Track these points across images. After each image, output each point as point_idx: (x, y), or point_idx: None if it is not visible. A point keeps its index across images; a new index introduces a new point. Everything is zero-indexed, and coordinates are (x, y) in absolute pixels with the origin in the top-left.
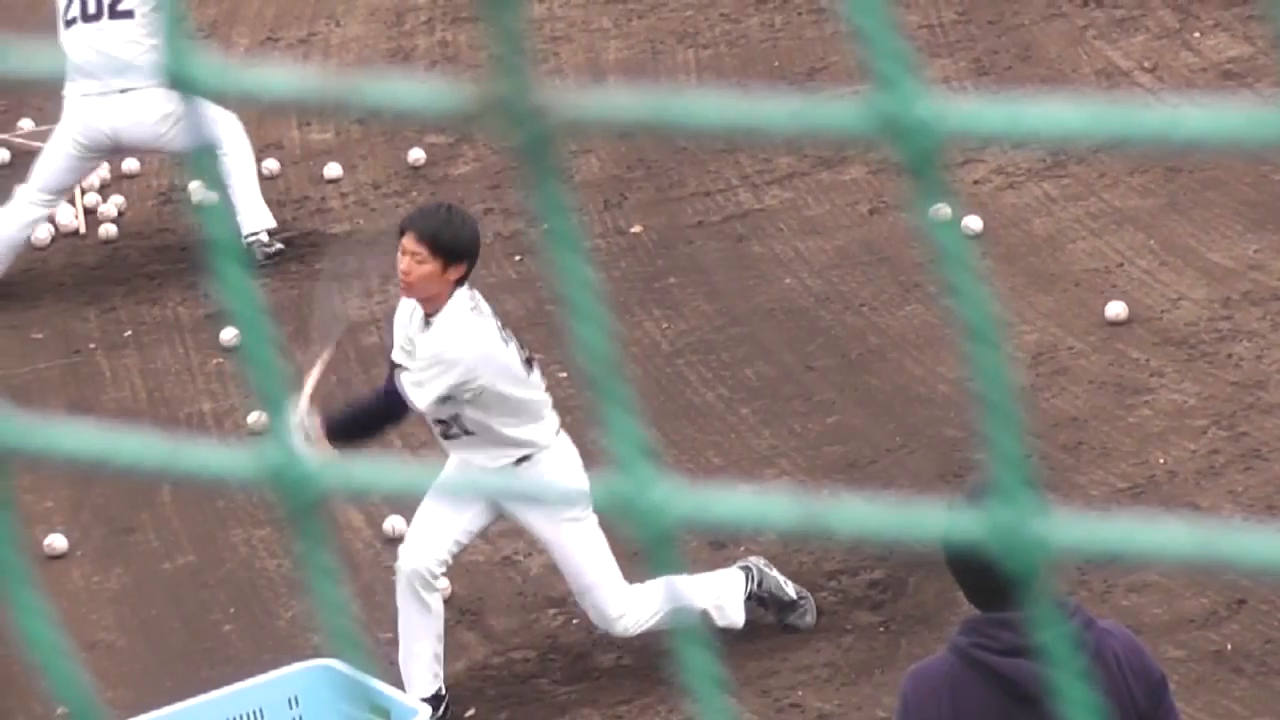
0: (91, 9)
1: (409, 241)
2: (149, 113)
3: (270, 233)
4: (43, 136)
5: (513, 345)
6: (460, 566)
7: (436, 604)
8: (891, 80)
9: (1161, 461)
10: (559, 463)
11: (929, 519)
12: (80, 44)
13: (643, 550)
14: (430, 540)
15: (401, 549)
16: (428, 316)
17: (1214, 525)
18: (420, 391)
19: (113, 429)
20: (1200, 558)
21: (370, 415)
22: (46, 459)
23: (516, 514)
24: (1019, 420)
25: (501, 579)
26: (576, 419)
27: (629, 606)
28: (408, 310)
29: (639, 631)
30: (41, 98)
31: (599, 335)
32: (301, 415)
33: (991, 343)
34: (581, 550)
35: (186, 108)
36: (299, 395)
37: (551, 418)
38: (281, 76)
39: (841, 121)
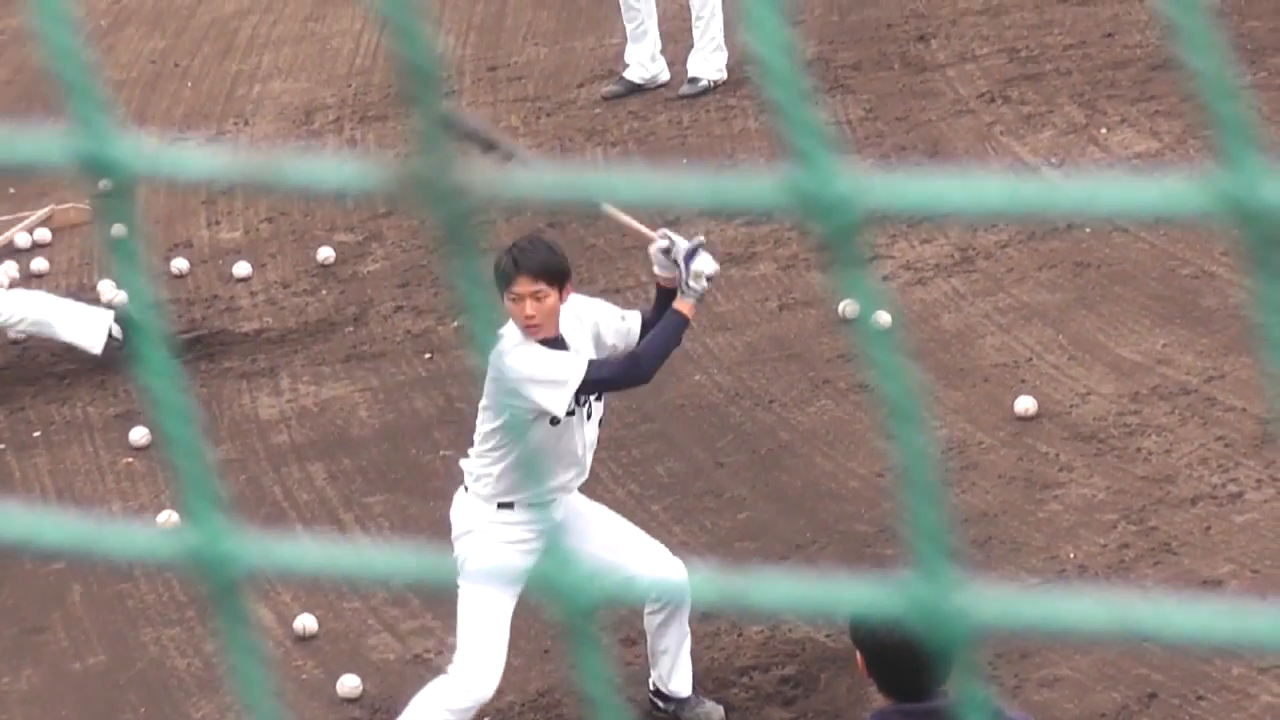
0: None
1: (525, 284)
2: None
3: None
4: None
5: None
6: (371, 665)
7: None
8: (811, 157)
9: (1071, 556)
10: None
11: (852, 595)
12: None
13: (562, 630)
14: (500, 662)
15: (473, 672)
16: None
17: (1133, 600)
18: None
19: (34, 514)
20: (1121, 633)
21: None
22: None
23: (578, 537)
24: (940, 495)
25: (413, 677)
26: None
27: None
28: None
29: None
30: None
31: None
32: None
33: (912, 416)
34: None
35: None
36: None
37: None
38: (203, 159)
39: (760, 198)
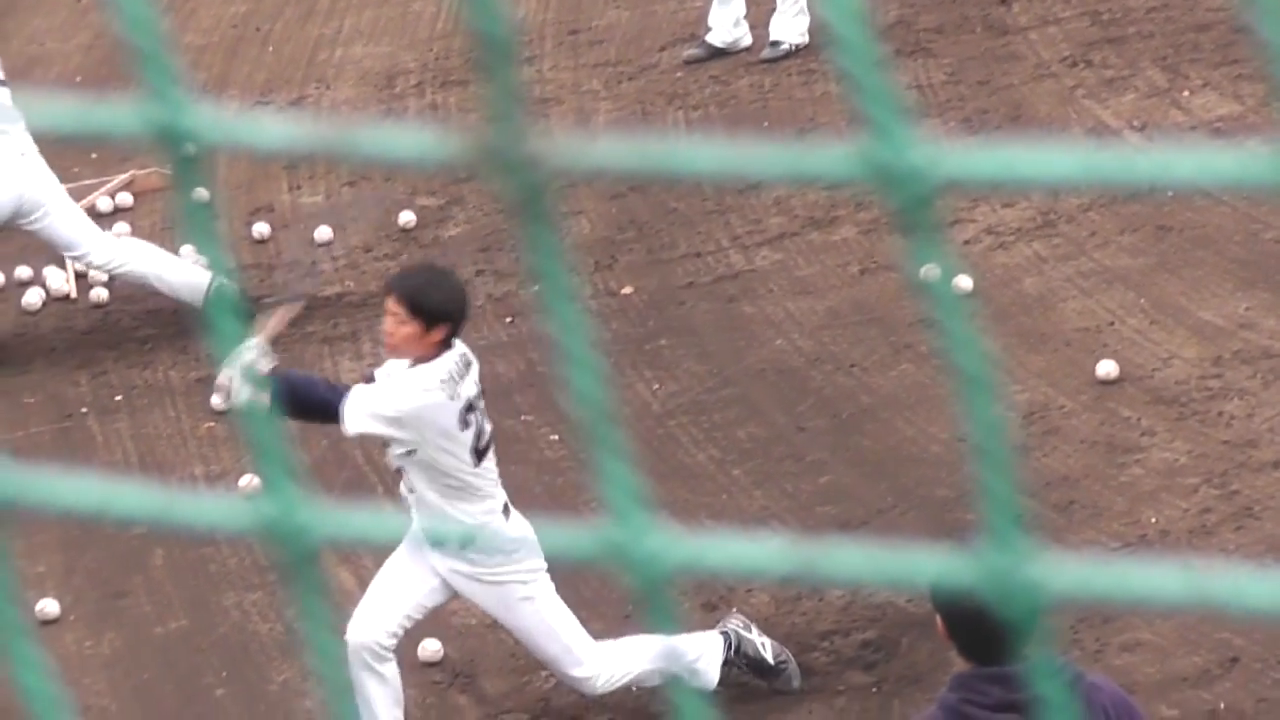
0: None
1: (390, 302)
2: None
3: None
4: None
5: (469, 432)
6: (452, 629)
7: (391, 672)
8: (884, 127)
9: (1153, 520)
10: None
11: (924, 565)
12: None
13: (637, 598)
14: (380, 614)
15: (350, 622)
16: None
17: (1208, 570)
18: (354, 416)
19: (110, 482)
20: (1194, 602)
21: (316, 396)
22: (45, 511)
23: (472, 597)
24: (1013, 465)
25: (494, 641)
26: (568, 481)
27: (598, 667)
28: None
29: (609, 690)
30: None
31: (593, 382)
32: (251, 352)
33: (985, 387)
34: (540, 626)
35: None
36: (255, 336)
37: (495, 502)
38: (277, 127)
39: (834, 169)
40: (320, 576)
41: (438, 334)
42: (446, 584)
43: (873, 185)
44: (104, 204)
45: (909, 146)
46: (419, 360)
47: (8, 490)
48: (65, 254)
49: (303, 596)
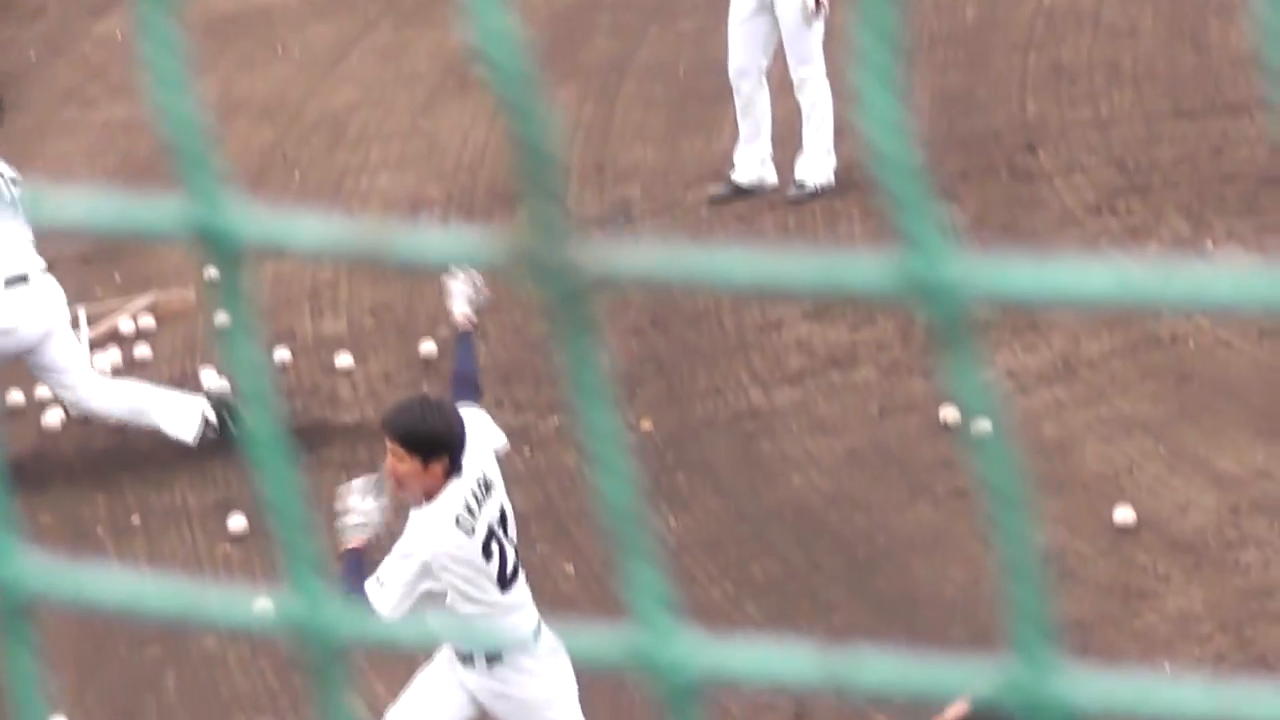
0: None
1: (388, 441)
2: None
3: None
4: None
5: (493, 562)
6: None
7: None
8: (919, 240)
9: (1167, 668)
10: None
11: (950, 675)
12: None
13: (663, 705)
14: None
15: None
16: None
17: (1230, 684)
18: (383, 597)
19: (135, 577)
20: (1216, 716)
21: (354, 589)
22: (70, 609)
23: (498, 714)
24: (1040, 578)
25: None
26: (583, 613)
27: None
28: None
29: None
30: None
31: (622, 488)
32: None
33: (1013, 501)
34: None
35: None
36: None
37: (524, 621)
38: (315, 227)
39: (869, 281)
40: (345, 675)
41: (438, 467)
42: (474, 699)
43: (907, 297)
44: (125, 325)
45: (944, 259)
46: (428, 495)
47: (34, 584)
48: (52, 378)
49: (327, 695)
